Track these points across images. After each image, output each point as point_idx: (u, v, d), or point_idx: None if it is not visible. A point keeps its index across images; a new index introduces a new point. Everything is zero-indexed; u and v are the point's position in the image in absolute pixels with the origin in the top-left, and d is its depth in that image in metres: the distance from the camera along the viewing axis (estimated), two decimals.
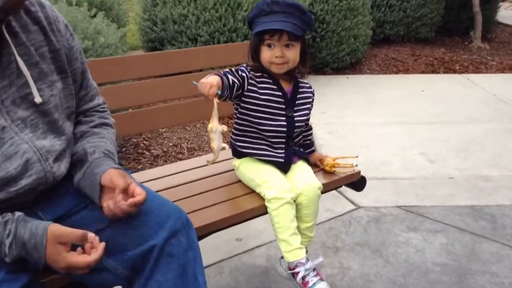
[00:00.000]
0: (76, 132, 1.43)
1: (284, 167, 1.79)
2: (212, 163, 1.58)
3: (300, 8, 1.66)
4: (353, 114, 4.39)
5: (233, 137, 1.85)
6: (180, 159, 3.45)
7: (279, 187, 1.68)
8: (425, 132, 3.96)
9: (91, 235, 1.20)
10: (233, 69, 1.72)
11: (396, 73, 5.91)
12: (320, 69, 5.71)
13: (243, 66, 1.76)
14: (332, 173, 1.95)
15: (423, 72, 5.93)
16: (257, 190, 1.75)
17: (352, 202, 2.81)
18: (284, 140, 1.79)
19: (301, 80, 1.85)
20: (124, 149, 3.52)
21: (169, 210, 1.36)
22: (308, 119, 1.92)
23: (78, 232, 1.17)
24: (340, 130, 3.99)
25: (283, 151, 1.79)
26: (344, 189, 2.23)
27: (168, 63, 1.97)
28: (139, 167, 3.33)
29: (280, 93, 1.76)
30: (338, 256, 2.33)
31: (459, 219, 2.65)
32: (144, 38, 4.99)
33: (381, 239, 2.46)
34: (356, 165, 1.97)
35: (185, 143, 3.68)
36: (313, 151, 2.00)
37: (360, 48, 5.81)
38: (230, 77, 1.65)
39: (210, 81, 1.49)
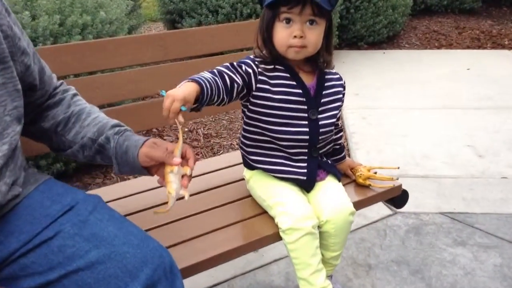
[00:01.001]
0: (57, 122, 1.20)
1: (306, 186, 1.41)
2: (163, 213, 1.15)
3: None
4: (390, 96, 3.94)
5: (242, 145, 1.48)
6: (195, 147, 3.12)
7: (296, 213, 1.31)
8: (473, 119, 3.49)
9: None
10: (234, 63, 1.33)
11: (438, 48, 5.36)
12: (354, 44, 5.24)
13: (248, 58, 1.36)
14: (366, 186, 1.56)
15: (468, 47, 5.36)
16: (270, 214, 1.39)
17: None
18: (306, 151, 1.41)
19: (327, 70, 1.44)
20: None
21: (146, 253, 1.02)
22: (337, 120, 1.53)
23: None
24: (374, 116, 3.56)
25: (305, 164, 1.41)
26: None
27: (165, 46, 1.59)
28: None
29: (300, 90, 1.37)
30: (371, 276, 1.97)
31: None
32: (162, 10, 4.61)
33: (423, 256, 2.08)
34: (397, 178, 1.57)
35: (202, 129, 3.34)
36: (342, 158, 1.62)
37: (399, 19, 5.28)
38: (225, 77, 1.25)
39: (173, 94, 1.06)
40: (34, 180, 1.13)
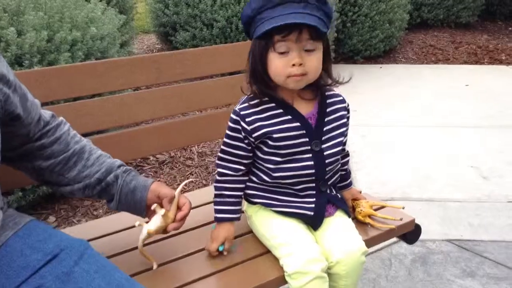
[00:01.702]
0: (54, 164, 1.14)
1: (313, 223, 1.30)
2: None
3: None
4: (388, 113, 3.85)
5: None
6: (189, 166, 3.00)
7: (303, 255, 1.19)
8: (474, 138, 3.40)
9: None
10: (233, 142, 1.28)
11: (435, 62, 5.30)
12: (350, 58, 5.16)
13: (234, 114, 1.26)
14: (365, 223, 1.44)
15: (465, 62, 5.31)
16: (275, 254, 1.27)
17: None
18: (313, 185, 1.29)
19: (328, 92, 1.33)
20: None
21: None
22: (344, 146, 1.43)
23: None
24: (373, 133, 3.47)
25: (314, 199, 1.29)
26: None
27: (159, 69, 1.48)
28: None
29: (297, 123, 1.25)
30: None
31: None
32: (155, 22, 4.50)
33: None
34: (401, 219, 1.45)
35: (196, 147, 3.22)
36: (348, 185, 1.50)
37: (396, 34, 5.22)
38: (236, 177, 1.31)
39: (214, 237, 1.29)
40: (13, 224, 1.01)
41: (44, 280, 0.90)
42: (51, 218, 2.34)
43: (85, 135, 1.47)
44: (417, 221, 1.52)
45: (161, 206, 1.20)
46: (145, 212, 1.22)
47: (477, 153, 3.15)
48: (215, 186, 1.32)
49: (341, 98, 1.36)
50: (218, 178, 1.32)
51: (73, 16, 2.34)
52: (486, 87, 4.48)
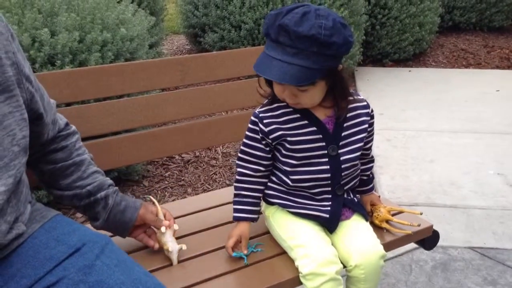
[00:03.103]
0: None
1: (329, 225, 1.32)
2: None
3: (320, 41, 1.11)
4: (416, 117, 3.82)
5: None
6: (213, 166, 3.04)
7: (318, 257, 1.21)
8: (503, 145, 3.34)
9: None
10: (251, 143, 1.31)
11: (466, 67, 5.22)
12: (379, 61, 5.13)
13: (254, 116, 1.30)
14: (381, 228, 1.45)
15: (497, 67, 5.21)
16: (290, 255, 1.30)
17: None
18: (329, 189, 1.31)
19: (351, 97, 1.32)
20: None
21: None
22: (368, 151, 1.44)
23: None
24: (399, 138, 3.45)
25: (329, 203, 1.31)
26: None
27: (184, 71, 1.52)
28: (167, 174, 2.95)
29: (314, 128, 1.27)
30: None
31: None
32: (185, 23, 4.57)
33: None
34: (419, 225, 1.44)
35: (220, 147, 3.26)
36: (369, 190, 1.51)
37: (426, 37, 5.16)
38: (255, 177, 1.34)
39: (232, 234, 1.32)
40: (40, 217, 1.06)
41: (67, 272, 0.95)
42: (78, 214, 2.42)
43: (112, 134, 1.53)
44: (440, 228, 1.51)
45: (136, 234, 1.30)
46: (128, 233, 1.26)
47: (504, 160, 3.09)
48: (234, 186, 1.36)
49: (364, 103, 1.36)
50: (237, 177, 1.35)
51: (104, 17, 2.41)
52: None
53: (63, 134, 1.21)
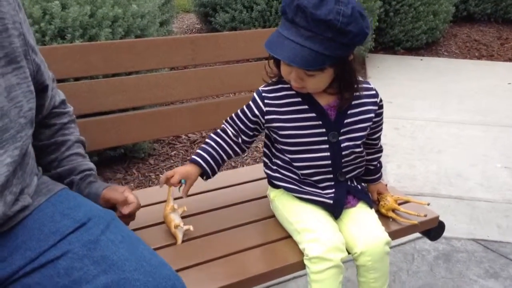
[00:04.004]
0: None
1: (334, 211, 1.31)
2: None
3: (337, 28, 1.08)
4: (425, 107, 3.78)
5: (265, 166, 1.39)
6: None
7: (326, 242, 1.21)
8: (510, 138, 3.31)
9: None
10: (246, 112, 1.30)
11: (478, 58, 5.15)
12: (391, 48, 5.08)
13: (256, 94, 1.30)
14: (387, 217, 1.44)
15: (510, 60, 5.14)
16: (295, 239, 1.30)
17: None
18: (331, 176, 1.30)
19: (357, 88, 1.28)
20: None
21: (158, 282, 0.95)
22: (376, 141, 1.42)
23: None
24: (408, 127, 3.42)
25: (332, 190, 1.30)
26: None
27: (195, 50, 1.51)
28: (173, 153, 2.95)
29: (313, 114, 1.26)
30: None
31: None
32: (196, 2, 4.53)
33: (451, 286, 1.96)
34: (425, 215, 1.44)
35: None
36: (375, 180, 1.50)
37: (440, 26, 5.09)
38: (234, 146, 1.33)
39: (177, 170, 1.29)
40: (46, 190, 1.06)
41: (72, 246, 0.95)
42: None
43: (120, 111, 1.53)
44: (444, 219, 1.50)
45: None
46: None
47: (511, 154, 3.07)
48: (209, 135, 1.35)
49: (373, 92, 1.34)
50: (216, 131, 1.35)
51: None
52: None
53: (56, 111, 1.19)
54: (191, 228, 1.29)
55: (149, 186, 2.63)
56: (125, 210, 1.16)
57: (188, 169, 1.29)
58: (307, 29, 1.10)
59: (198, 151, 1.33)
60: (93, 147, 1.46)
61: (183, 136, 3.12)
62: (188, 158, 2.91)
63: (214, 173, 1.33)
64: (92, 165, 1.22)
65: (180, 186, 1.29)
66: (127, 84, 1.48)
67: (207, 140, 1.34)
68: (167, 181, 1.27)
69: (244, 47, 1.62)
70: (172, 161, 2.88)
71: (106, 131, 1.48)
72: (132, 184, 2.64)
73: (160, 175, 2.71)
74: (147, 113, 1.54)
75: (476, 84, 4.32)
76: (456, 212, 2.43)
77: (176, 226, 1.27)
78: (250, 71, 1.67)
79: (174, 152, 2.97)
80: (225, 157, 1.33)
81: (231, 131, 1.33)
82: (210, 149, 1.31)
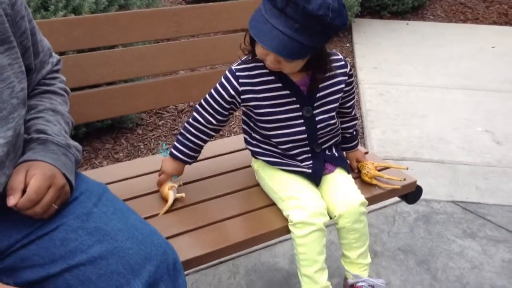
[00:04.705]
0: None
1: (314, 179, 1.37)
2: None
3: (326, 23, 1.11)
4: (410, 72, 3.83)
5: (246, 141, 1.44)
6: None
7: (309, 208, 1.28)
8: (493, 102, 3.38)
9: None
10: (221, 92, 1.31)
11: (463, 21, 5.17)
12: (377, 12, 5.07)
13: (230, 73, 1.31)
14: (372, 185, 1.50)
15: (494, 23, 5.16)
16: (279, 206, 1.36)
17: None
18: (308, 149, 1.36)
19: (330, 65, 1.31)
20: None
21: (150, 249, 1.00)
22: (349, 110, 1.47)
23: None
24: (392, 92, 3.47)
25: (310, 161, 1.36)
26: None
27: (179, 22, 1.52)
28: (160, 122, 2.98)
29: (287, 91, 1.30)
30: (376, 264, 1.95)
31: None
32: None
33: (430, 246, 2.06)
34: (404, 179, 1.51)
35: None
36: (353, 147, 1.55)
37: None
38: (209, 132, 1.38)
39: (164, 171, 1.39)
40: None
41: (66, 218, 1.00)
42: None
43: (107, 84, 1.55)
44: (425, 182, 1.57)
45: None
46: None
47: (493, 118, 3.14)
48: (183, 126, 1.39)
49: (342, 63, 1.38)
50: (190, 120, 1.37)
51: None
52: None
53: (44, 82, 1.16)
54: (183, 195, 1.36)
55: (138, 156, 2.68)
56: (10, 200, 0.93)
57: (173, 166, 1.39)
58: (296, 21, 1.11)
59: (177, 145, 1.38)
60: (81, 120, 1.50)
61: (170, 106, 3.15)
62: (176, 127, 2.94)
63: (196, 158, 1.42)
64: (51, 131, 1.06)
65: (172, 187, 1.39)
66: (112, 57, 1.50)
67: (181, 130, 1.39)
68: (162, 184, 1.39)
69: (228, 19, 1.64)
70: (160, 130, 2.91)
71: (93, 105, 1.50)
72: (121, 154, 2.68)
73: (148, 145, 2.77)
74: (133, 86, 1.56)
75: (460, 48, 4.36)
76: (436, 175, 2.52)
77: (171, 188, 1.34)
78: (235, 42, 1.68)
79: (162, 121, 3.00)
80: (203, 143, 1.40)
81: (205, 118, 1.35)
82: (187, 142, 1.37)
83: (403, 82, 3.63)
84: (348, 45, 4.36)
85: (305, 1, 1.09)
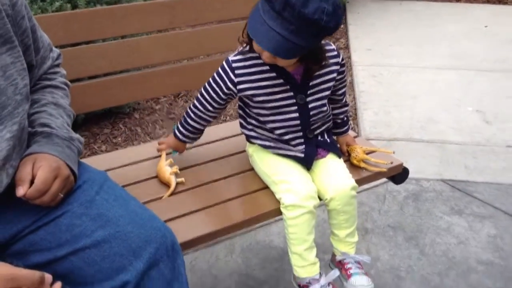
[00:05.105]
0: None
1: (305, 164, 1.45)
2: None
3: (321, 26, 1.17)
4: (403, 54, 3.87)
5: (241, 126, 1.51)
6: None
7: (300, 192, 1.35)
8: (484, 82, 3.44)
9: (48, 276, 0.93)
10: (219, 83, 1.38)
11: (457, 0, 5.18)
12: None
13: (227, 64, 1.38)
14: (360, 167, 1.58)
15: (488, 2, 5.18)
16: (272, 189, 1.43)
17: None
18: (301, 134, 1.43)
19: (321, 48, 1.36)
20: None
21: (150, 233, 1.07)
22: (340, 97, 1.53)
23: (35, 275, 0.89)
24: (385, 74, 3.53)
25: (303, 146, 1.44)
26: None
27: (173, 14, 1.58)
28: (157, 107, 3.05)
29: (281, 80, 1.37)
30: (367, 240, 2.05)
31: None
32: None
33: (419, 223, 2.15)
34: (391, 163, 1.58)
35: None
36: (343, 132, 1.62)
37: None
38: (208, 118, 1.48)
39: (167, 142, 1.56)
40: None
41: (71, 206, 1.07)
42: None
43: (104, 75, 1.61)
44: (414, 161, 1.64)
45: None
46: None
47: (484, 98, 3.21)
48: (187, 109, 1.51)
49: (334, 53, 1.44)
50: (191, 106, 1.49)
51: None
52: (506, 30, 4.41)
53: (45, 77, 1.22)
54: (183, 180, 1.44)
55: (136, 140, 2.75)
56: (19, 190, 0.98)
57: (175, 143, 1.54)
58: (292, 23, 1.16)
59: (180, 127, 1.51)
60: (80, 110, 1.56)
61: None
62: (173, 111, 3.01)
63: (196, 139, 1.56)
64: (55, 124, 1.11)
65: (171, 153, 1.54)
66: (109, 49, 1.56)
67: (185, 114, 1.50)
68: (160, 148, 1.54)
69: (220, 9, 1.69)
70: (157, 115, 2.98)
71: (91, 95, 1.57)
72: (119, 139, 2.75)
73: (146, 129, 2.83)
74: (130, 76, 1.63)
75: (454, 28, 4.40)
76: (426, 155, 2.60)
77: (172, 173, 1.43)
78: (227, 32, 1.74)
79: (159, 106, 3.06)
80: (203, 127, 1.52)
81: (203, 106, 1.44)
82: (188, 126, 1.50)
83: (396, 64, 3.69)
84: (342, 26, 4.39)
85: (301, 5, 1.14)
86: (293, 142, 1.43)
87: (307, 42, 1.21)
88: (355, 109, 3.07)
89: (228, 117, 2.98)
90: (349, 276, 1.45)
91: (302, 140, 1.43)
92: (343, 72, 1.47)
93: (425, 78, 3.47)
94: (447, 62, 3.72)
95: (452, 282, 1.85)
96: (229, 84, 1.38)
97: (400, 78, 3.47)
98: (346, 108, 1.60)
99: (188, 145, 1.60)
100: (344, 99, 1.56)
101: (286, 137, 1.42)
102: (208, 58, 1.79)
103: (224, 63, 1.40)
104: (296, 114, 1.40)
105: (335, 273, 1.42)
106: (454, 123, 2.91)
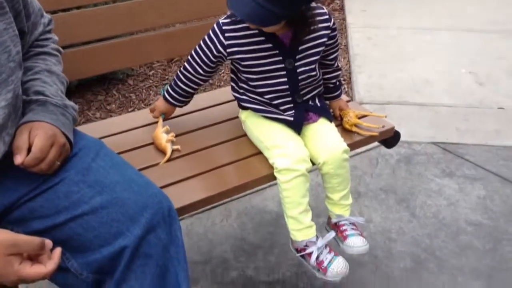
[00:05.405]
0: None
1: (294, 128, 1.46)
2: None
3: None
4: (399, 15, 3.83)
5: (233, 90, 1.52)
6: None
7: (292, 155, 1.37)
8: (478, 43, 3.43)
9: (48, 241, 0.96)
10: (210, 45, 1.38)
11: None
12: None
13: (217, 26, 1.38)
14: (352, 132, 1.59)
15: None
16: (265, 155, 1.45)
17: None
18: (290, 99, 1.44)
19: (311, 11, 1.37)
20: None
21: (146, 199, 1.10)
22: (332, 62, 1.53)
23: (35, 240, 0.92)
24: (380, 36, 3.50)
25: (292, 111, 1.45)
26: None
27: None
28: (151, 73, 3.03)
29: (270, 45, 1.37)
30: (359, 203, 2.09)
31: (504, 164, 2.32)
32: None
33: (410, 185, 2.19)
34: (383, 126, 1.60)
35: None
36: (336, 96, 1.63)
37: None
38: (199, 82, 1.48)
39: (157, 106, 1.54)
40: None
41: (68, 173, 1.09)
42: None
43: (96, 41, 1.60)
44: (406, 125, 1.66)
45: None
46: None
47: (477, 59, 3.21)
48: (177, 72, 1.51)
49: (325, 17, 1.43)
50: (181, 69, 1.49)
51: None
52: None
53: (37, 44, 1.21)
54: (179, 147, 1.46)
55: (130, 106, 2.75)
56: (17, 158, 0.99)
57: (165, 107, 1.53)
58: None
59: (170, 90, 1.51)
60: (73, 77, 1.55)
61: None
62: (167, 77, 2.99)
63: (186, 103, 1.55)
64: (49, 92, 1.12)
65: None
66: (100, 14, 1.54)
67: (175, 77, 1.49)
68: (158, 137, 1.50)
69: None
70: (151, 80, 2.96)
71: (84, 62, 1.56)
72: (113, 105, 2.75)
73: (140, 95, 2.83)
74: (122, 42, 1.62)
75: None
76: (419, 118, 2.62)
77: (168, 141, 1.44)
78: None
79: (152, 72, 3.04)
80: (193, 91, 1.51)
81: (194, 68, 1.44)
82: (178, 89, 1.49)
83: (391, 25, 3.65)
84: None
85: None
86: (283, 107, 1.44)
87: (284, 9, 1.20)
88: (350, 73, 3.06)
89: (222, 82, 2.97)
90: (345, 237, 1.49)
91: (291, 105, 1.44)
92: (334, 36, 1.47)
93: (421, 40, 3.45)
94: (443, 23, 3.69)
95: (441, 243, 1.91)
96: (219, 47, 1.38)
97: (396, 40, 3.45)
98: (338, 73, 1.60)
99: (182, 111, 1.60)
100: (336, 64, 1.56)
101: (276, 101, 1.43)
102: (201, 22, 1.77)
103: (214, 25, 1.40)
104: (285, 79, 1.40)
105: (331, 234, 1.46)
106: (448, 85, 2.92)
